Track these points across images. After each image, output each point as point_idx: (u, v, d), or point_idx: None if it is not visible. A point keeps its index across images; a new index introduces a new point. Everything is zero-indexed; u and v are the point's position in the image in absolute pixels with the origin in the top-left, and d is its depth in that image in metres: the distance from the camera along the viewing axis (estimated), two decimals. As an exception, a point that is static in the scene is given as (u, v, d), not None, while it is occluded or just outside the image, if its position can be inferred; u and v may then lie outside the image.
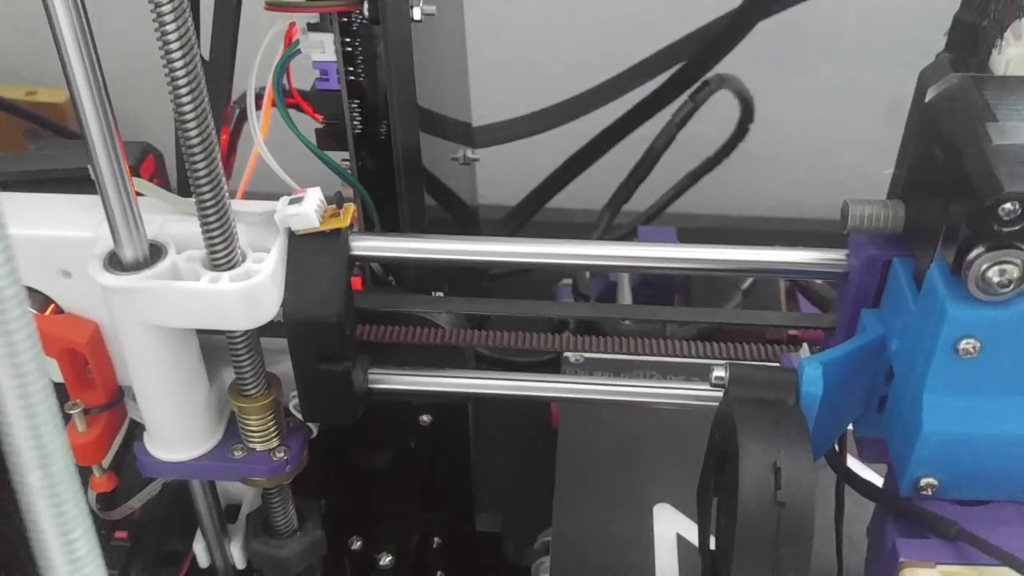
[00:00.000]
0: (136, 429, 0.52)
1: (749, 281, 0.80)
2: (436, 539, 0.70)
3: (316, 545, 0.58)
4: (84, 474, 0.52)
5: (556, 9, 1.09)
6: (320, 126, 0.58)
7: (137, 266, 0.44)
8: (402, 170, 0.57)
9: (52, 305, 0.48)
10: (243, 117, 0.60)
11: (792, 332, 0.57)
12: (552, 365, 0.73)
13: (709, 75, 0.83)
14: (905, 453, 0.42)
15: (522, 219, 0.88)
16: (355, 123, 0.56)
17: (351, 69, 0.55)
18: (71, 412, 0.49)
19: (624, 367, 0.69)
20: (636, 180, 0.88)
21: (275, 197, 0.47)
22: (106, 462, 0.52)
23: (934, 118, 0.41)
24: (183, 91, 0.39)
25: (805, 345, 0.48)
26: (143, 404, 0.49)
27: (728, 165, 0.89)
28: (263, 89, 0.53)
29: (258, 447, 0.51)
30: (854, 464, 0.51)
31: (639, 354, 0.49)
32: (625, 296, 0.83)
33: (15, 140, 0.92)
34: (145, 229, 0.44)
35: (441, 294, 0.60)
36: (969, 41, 0.43)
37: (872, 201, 0.44)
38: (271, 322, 0.46)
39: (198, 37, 0.40)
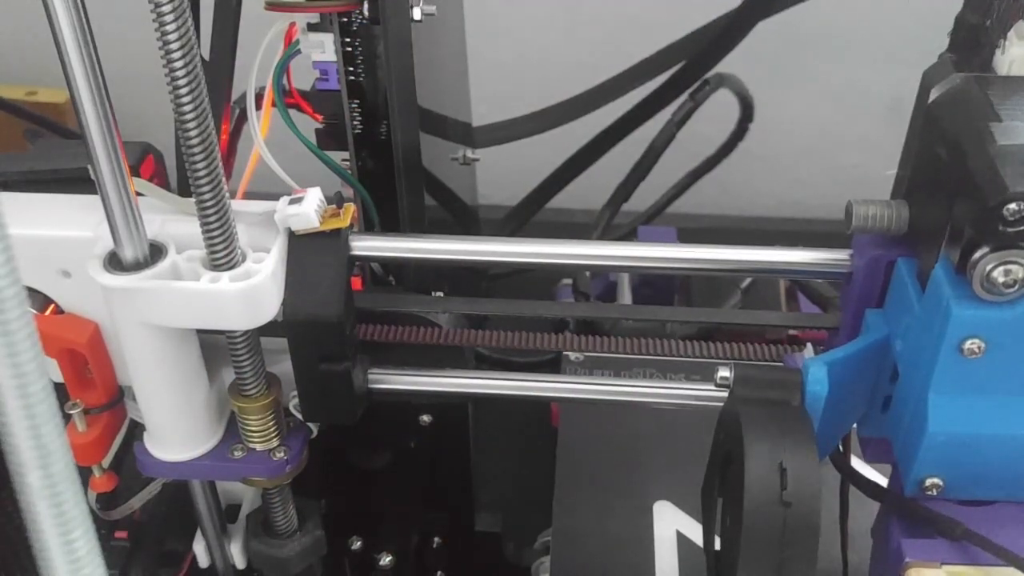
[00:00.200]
0: (136, 429, 0.52)
1: (748, 280, 0.80)
2: (436, 539, 0.70)
3: (316, 545, 0.58)
4: (84, 474, 0.52)
5: (556, 9, 1.09)
6: (320, 126, 0.58)
7: (137, 266, 0.44)
8: (402, 170, 0.57)
9: (52, 305, 0.48)
10: (243, 117, 0.59)
11: (792, 332, 0.57)
12: (552, 365, 0.73)
13: (709, 75, 0.83)
14: (910, 453, 0.42)
15: (522, 219, 0.88)
16: (355, 123, 0.56)
17: (351, 69, 0.55)
18: (71, 412, 0.49)
19: (625, 364, 0.69)
20: (636, 180, 0.88)
21: (275, 197, 0.47)
22: (106, 462, 0.52)
23: (938, 118, 0.41)
24: (183, 91, 0.39)
25: (809, 345, 0.47)
26: (143, 404, 0.49)
27: (728, 165, 0.89)
28: (263, 89, 0.53)
29: (258, 447, 0.51)
30: (858, 464, 0.51)
31: (639, 353, 0.49)
32: (625, 296, 0.83)
33: (15, 140, 0.92)
34: (145, 229, 0.44)
35: (441, 294, 0.60)
36: (972, 41, 0.43)
37: (876, 201, 0.44)
38: (271, 322, 0.46)
39: (198, 37, 0.40)
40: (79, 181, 0.45)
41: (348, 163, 0.58)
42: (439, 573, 0.71)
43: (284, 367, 0.49)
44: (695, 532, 0.58)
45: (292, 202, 0.46)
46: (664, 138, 0.86)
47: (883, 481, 0.49)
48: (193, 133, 0.40)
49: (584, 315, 0.67)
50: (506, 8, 1.07)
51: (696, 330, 0.73)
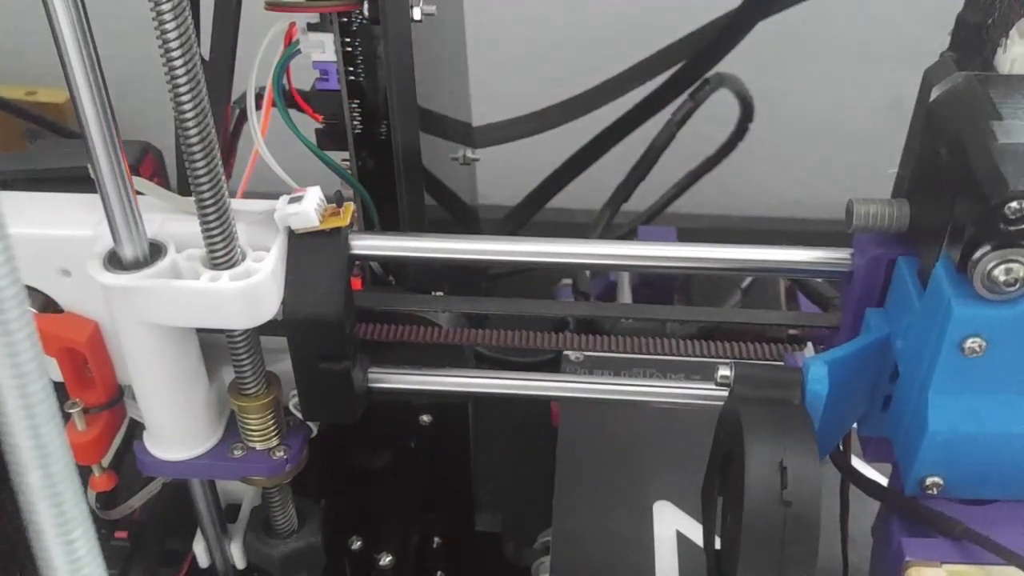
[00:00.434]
0: (136, 428, 0.52)
1: (749, 280, 0.80)
2: (436, 539, 0.70)
3: (310, 552, 0.58)
4: (84, 473, 0.52)
5: (556, 9, 1.09)
6: (320, 126, 0.58)
7: (137, 265, 0.44)
8: (402, 170, 0.57)
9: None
10: (243, 117, 0.59)
11: (792, 331, 0.57)
12: (552, 364, 0.73)
13: (709, 75, 0.83)
14: (910, 452, 0.42)
15: (522, 219, 0.88)
16: (355, 123, 0.56)
17: (351, 69, 0.55)
18: (71, 411, 0.49)
19: (625, 364, 0.69)
20: (636, 179, 0.88)
21: (275, 197, 0.47)
22: (106, 461, 0.52)
23: (939, 117, 0.41)
24: (183, 91, 0.39)
25: (810, 344, 0.47)
26: (143, 403, 0.49)
27: (728, 165, 0.89)
28: (263, 89, 0.53)
29: (258, 446, 0.51)
30: (858, 463, 0.51)
31: (639, 353, 0.49)
32: (625, 295, 0.83)
33: (15, 140, 0.92)
34: (145, 228, 0.44)
35: (441, 294, 0.60)
36: (973, 40, 0.43)
37: (877, 200, 0.44)
38: (271, 321, 0.46)
39: (198, 37, 0.40)
40: (79, 180, 0.45)
41: (348, 163, 0.58)
42: (439, 573, 0.71)
43: (284, 366, 0.49)
44: (695, 532, 0.58)
45: (292, 201, 0.46)
46: (664, 138, 0.86)
47: (883, 480, 0.49)
48: (193, 133, 0.40)
49: (584, 315, 0.67)
50: (506, 8, 1.07)
51: (696, 330, 0.73)
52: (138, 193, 0.43)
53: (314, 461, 0.54)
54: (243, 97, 0.57)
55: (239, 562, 0.60)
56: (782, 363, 0.46)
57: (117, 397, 0.51)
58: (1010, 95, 0.40)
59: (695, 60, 0.81)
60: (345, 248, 0.47)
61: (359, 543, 0.67)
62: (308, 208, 0.45)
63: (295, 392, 0.50)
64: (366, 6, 0.51)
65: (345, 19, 0.53)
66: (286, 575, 0.58)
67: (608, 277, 0.86)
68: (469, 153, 0.71)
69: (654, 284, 0.84)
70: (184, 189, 0.44)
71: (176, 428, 0.50)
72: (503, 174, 0.86)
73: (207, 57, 0.53)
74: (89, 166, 0.41)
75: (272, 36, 0.53)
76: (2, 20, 1.13)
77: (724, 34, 0.78)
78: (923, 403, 0.41)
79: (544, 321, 0.53)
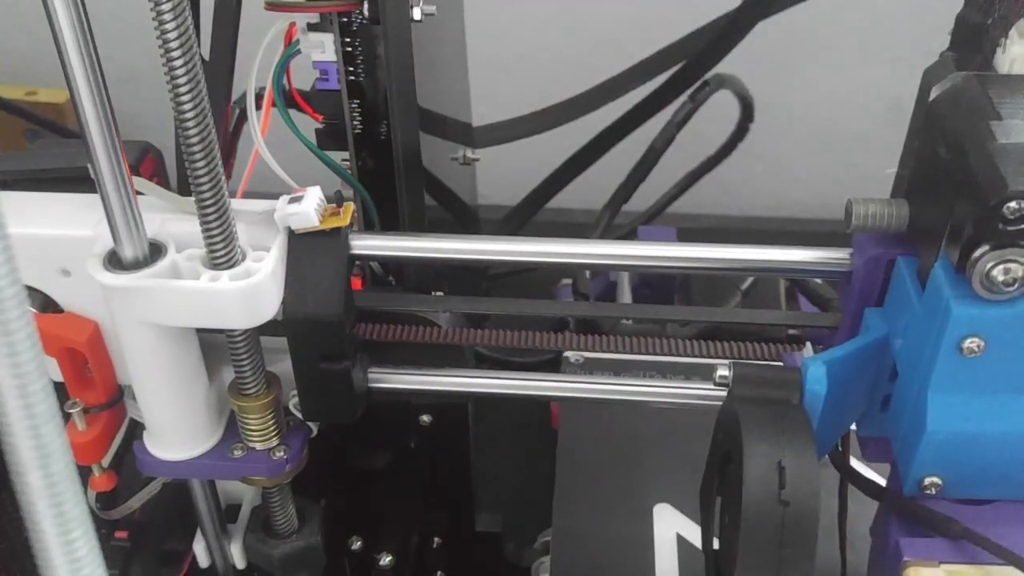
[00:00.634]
0: (136, 428, 0.52)
1: (749, 281, 0.80)
2: (436, 539, 0.70)
3: (310, 552, 0.58)
4: (84, 473, 0.52)
5: (556, 9, 1.09)
6: (320, 126, 0.58)
7: (137, 265, 0.44)
8: (402, 170, 0.57)
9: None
10: (243, 117, 0.59)
11: (792, 331, 0.57)
12: (552, 365, 0.73)
13: (709, 75, 0.83)
14: (909, 452, 0.42)
15: (522, 219, 0.88)
16: (355, 123, 0.56)
17: (351, 69, 0.55)
18: (71, 411, 0.49)
19: (624, 367, 0.69)
20: (636, 180, 0.88)
21: (275, 197, 0.47)
22: (106, 461, 0.52)
23: (938, 117, 0.41)
24: (183, 91, 0.39)
25: (808, 344, 0.47)
26: (143, 403, 0.49)
27: (728, 165, 0.89)
28: (263, 89, 0.53)
29: (258, 446, 0.51)
30: (857, 463, 0.51)
31: (639, 353, 0.49)
32: (625, 296, 0.83)
33: (15, 140, 0.92)
34: (145, 228, 0.44)
35: (441, 294, 0.60)
36: (973, 40, 0.43)
37: (876, 200, 0.44)
38: (271, 321, 0.46)
39: (198, 37, 0.40)
40: (79, 180, 0.45)
41: (348, 163, 0.58)
42: (439, 573, 0.71)
43: (284, 366, 0.49)
44: (695, 535, 0.57)
45: (292, 201, 0.46)
46: (664, 138, 0.87)
47: (882, 480, 0.49)
48: (193, 133, 0.40)
49: (584, 315, 0.67)
50: (506, 8, 1.07)
51: (696, 331, 0.74)
52: (138, 193, 0.43)
53: (314, 461, 0.54)
54: (243, 97, 0.57)
55: (239, 562, 0.60)
56: (781, 363, 0.46)
57: (117, 397, 0.51)
58: (1009, 95, 0.40)
59: (695, 60, 0.81)
60: (345, 248, 0.47)
61: (359, 543, 0.67)
62: (308, 208, 0.45)
63: (295, 392, 0.50)
64: (366, 6, 0.51)
65: (345, 19, 0.53)
66: (286, 575, 0.58)
67: (608, 277, 0.86)
68: (469, 153, 0.71)
69: (654, 284, 0.84)
70: (184, 189, 0.44)
71: (176, 428, 0.50)
72: (503, 174, 0.86)
73: (207, 57, 0.53)
74: (89, 166, 0.41)
75: (272, 36, 0.53)
76: (2, 20, 1.13)
77: (724, 34, 0.78)
78: (922, 403, 0.41)
79: (544, 321, 0.53)
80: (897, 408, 0.44)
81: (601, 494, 0.64)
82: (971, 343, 0.39)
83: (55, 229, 0.46)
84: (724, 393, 0.45)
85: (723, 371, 0.45)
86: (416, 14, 0.52)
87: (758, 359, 0.48)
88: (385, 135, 0.56)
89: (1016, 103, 0.39)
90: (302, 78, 0.56)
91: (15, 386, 0.23)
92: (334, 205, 0.46)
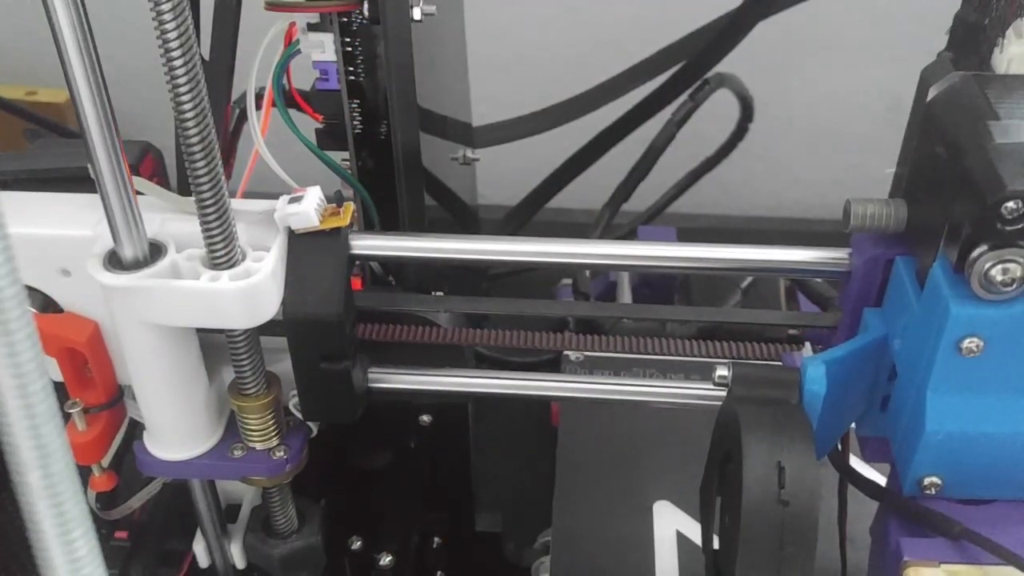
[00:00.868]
0: (136, 428, 0.52)
1: (749, 280, 0.80)
2: (436, 539, 0.70)
3: (310, 552, 0.58)
4: (84, 473, 0.52)
5: (556, 9, 1.09)
6: (320, 126, 0.58)
7: (137, 265, 0.44)
8: (402, 170, 0.57)
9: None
10: (243, 117, 0.59)
11: (791, 331, 0.57)
12: (552, 364, 0.73)
13: (709, 74, 0.83)
14: (908, 452, 0.42)
15: (522, 219, 0.88)
16: (355, 123, 0.56)
17: (351, 69, 0.55)
18: (71, 411, 0.49)
19: (624, 366, 0.69)
20: (636, 179, 0.88)
21: (275, 197, 0.47)
22: (106, 461, 0.52)
23: (936, 117, 0.41)
24: (183, 91, 0.39)
25: (808, 344, 0.47)
26: (143, 403, 0.49)
27: (728, 165, 0.89)
28: (263, 89, 0.53)
29: (258, 446, 0.51)
30: (856, 463, 0.51)
31: (639, 353, 0.49)
32: (625, 296, 0.83)
33: (15, 140, 0.92)
34: (145, 228, 0.44)
35: (441, 294, 0.60)
36: (970, 40, 0.43)
37: (874, 200, 0.44)
38: (271, 321, 0.46)
39: (198, 37, 0.40)
40: (79, 180, 0.45)
41: (348, 163, 0.58)
42: (439, 573, 0.71)
43: (284, 366, 0.49)
44: (695, 532, 0.58)
45: (292, 201, 0.46)
46: (664, 138, 0.86)
47: (881, 480, 0.49)
48: (193, 133, 0.40)
49: (584, 315, 0.67)
50: (506, 8, 1.07)
51: (696, 331, 0.74)
52: (138, 193, 0.43)
53: (314, 461, 0.54)
54: (243, 97, 0.57)
55: (239, 562, 0.60)
56: (780, 363, 0.47)
57: (117, 397, 0.51)
58: (1007, 95, 0.40)
59: (695, 60, 0.81)
60: (345, 248, 0.47)
61: (359, 543, 0.67)
62: (308, 208, 0.45)
63: (295, 392, 0.50)
64: (366, 6, 0.51)
65: (345, 19, 0.53)
66: (286, 575, 0.58)
67: (608, 277, 0.86)
68: (469, 153, 0.71)
69: (654, 284, 0.84)
70: (184, 189, 0.44)
71: (176, 428, 0.50)
72: (503, 174, 0.86)
73: (207, 57, 0.53)
74: (89, 166, 0.41)
75: (272, 36, 0.53)
76: (2, 20, 1.13)
77: (724, 34, 0.78)
78: (921, 403, 0.41)
79: (544, 321, 0.53)
80: (896, 408, 0.45)
81: (601, 494, 0.64)
82: (970, 343, 0.39)
83: (55, 229, 0.46)
84: (724, 393, 0.45)
85: (722, 371, 0.45)
86: (416, 14, 0.52)
87: (758, 359, 0.48)
88: (385, 135, 0.56)
89: (1014, 103, 0.39)
90: (302, 78, 0.56)
91: (15, 386, 0.23)
92: (334, 205, 0.46)
